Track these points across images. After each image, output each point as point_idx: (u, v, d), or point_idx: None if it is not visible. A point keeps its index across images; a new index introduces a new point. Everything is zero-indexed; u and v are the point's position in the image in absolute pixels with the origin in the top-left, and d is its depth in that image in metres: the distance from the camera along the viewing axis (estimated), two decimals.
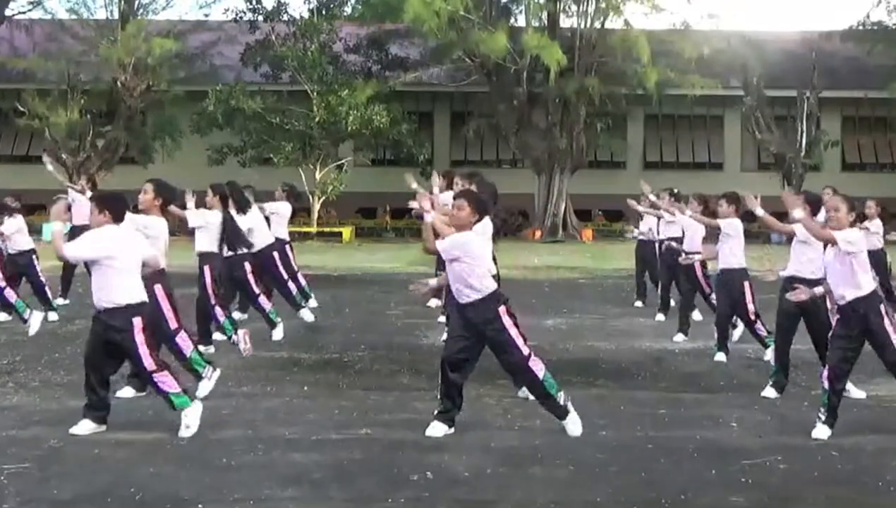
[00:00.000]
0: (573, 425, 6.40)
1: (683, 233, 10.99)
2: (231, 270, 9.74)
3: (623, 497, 5.18)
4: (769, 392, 7.69)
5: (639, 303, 13.54)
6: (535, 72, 30.13)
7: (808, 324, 7.66)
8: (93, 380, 6.36)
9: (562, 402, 6.42)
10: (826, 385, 6.48)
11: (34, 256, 11.55)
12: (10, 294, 10.84)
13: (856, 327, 6.50)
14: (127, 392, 7.30)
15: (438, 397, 6.52)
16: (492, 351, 6.46)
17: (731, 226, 9.11)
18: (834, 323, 6.63)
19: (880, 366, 6.89)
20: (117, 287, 6.26)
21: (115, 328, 6.27)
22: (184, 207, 9.25)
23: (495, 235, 7.26)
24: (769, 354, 9.11)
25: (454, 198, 6.60)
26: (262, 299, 10.28)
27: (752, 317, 9.07)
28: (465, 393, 6.54)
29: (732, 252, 9.09)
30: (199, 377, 7.41)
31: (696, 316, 11.69)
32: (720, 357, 9.26)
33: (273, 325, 10.21)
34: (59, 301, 12.42)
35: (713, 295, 10.40)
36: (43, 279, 11.62)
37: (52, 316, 11.49)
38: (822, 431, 6.42)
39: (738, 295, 9.00)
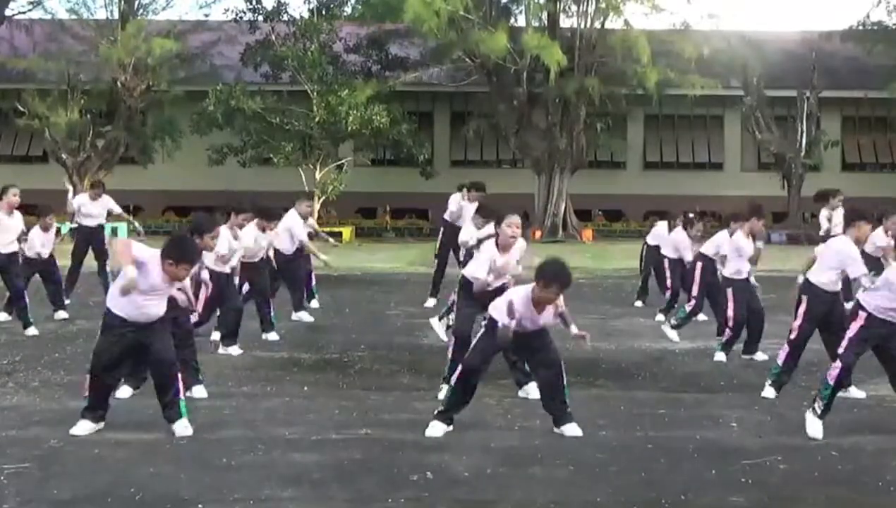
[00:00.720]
0: (573, 429, 6.41)
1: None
2: (252, 274, 9.97)
3: (623, 497, 5.18)
4: (769, 392, 7.69)
5: (639, 303, 13.57)
6: (535, 72, 30.12)
7: (828, 327, 7.64)
8: (109, 388, 6.41)
9: (569, 409, 6.48)
10: (832, 381, 6.51)
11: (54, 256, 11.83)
12: (25, 295, 11.05)
13: (881, 336, 6.60)
14: (124, 392, 7.31)
15: (441, 397, 6.52)
16: (533, 353, 6.52)
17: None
18: (857, 328, 6.62)
19: (879, 366, 6.91)
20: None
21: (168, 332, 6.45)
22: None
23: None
24: (761, 355, 9.22)
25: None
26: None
27: None
28: None
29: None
30: (198, 381, 7.50)
31: (700, 316, 11.72)
32: (720, 357, 9.29)
33: (271, 328, 10.26)
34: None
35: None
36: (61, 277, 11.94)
37: (62, 314, 11.69)
38: (816, 427, 6.45)
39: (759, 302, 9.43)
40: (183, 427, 6.29)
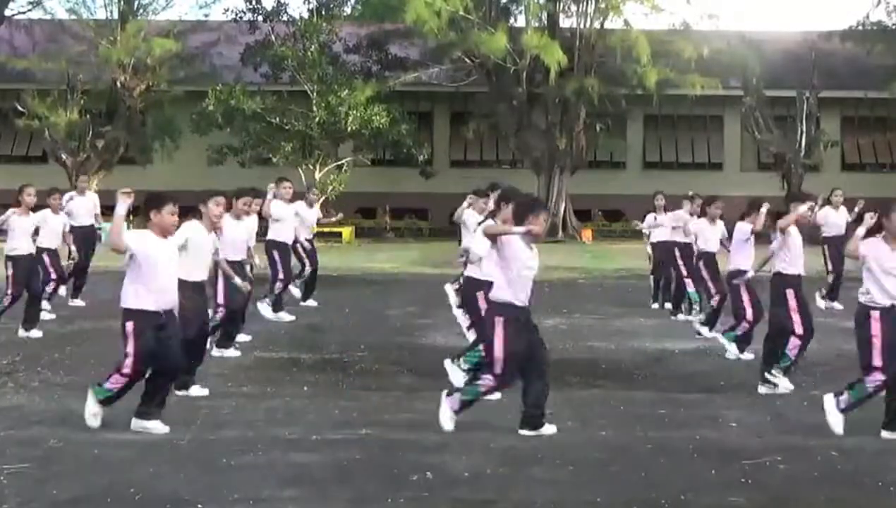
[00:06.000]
0: (550, 429, 6.44)
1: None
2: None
3: (623, 497, 5.18)
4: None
5: (655, 306, 13.09)
6: (534, 72, 30.11)
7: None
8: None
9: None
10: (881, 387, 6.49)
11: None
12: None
13: None
14: (196, 390, 7.37)
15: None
16: (529, 360, 6.46)
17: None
18: (881, 329, 6.47)
19: None
20: None
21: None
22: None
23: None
24: (748, 355, 9.22)
25: None
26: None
27: None
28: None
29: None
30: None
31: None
32: (747, 355, 9.28)
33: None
34: None
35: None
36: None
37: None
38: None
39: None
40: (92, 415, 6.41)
